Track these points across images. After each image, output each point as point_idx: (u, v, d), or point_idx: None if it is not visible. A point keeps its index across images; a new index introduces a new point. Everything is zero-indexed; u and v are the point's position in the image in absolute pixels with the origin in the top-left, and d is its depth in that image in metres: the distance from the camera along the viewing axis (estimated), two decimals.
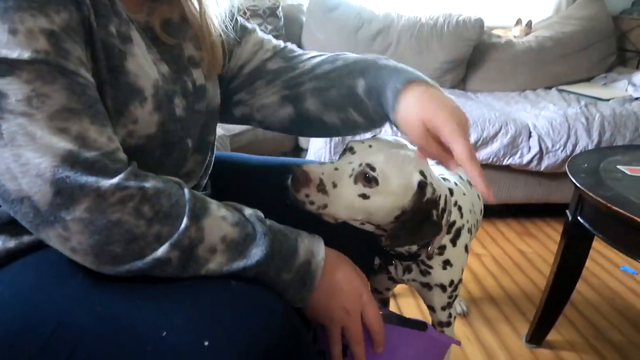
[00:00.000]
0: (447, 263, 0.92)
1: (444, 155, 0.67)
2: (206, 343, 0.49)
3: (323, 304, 0.65)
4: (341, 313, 0.65)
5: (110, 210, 0.52)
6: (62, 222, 0.52)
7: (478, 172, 0.63)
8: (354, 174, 0.75)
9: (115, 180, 0.53)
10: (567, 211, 1.35)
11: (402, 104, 0.69)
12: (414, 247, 0.88)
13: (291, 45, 0.90)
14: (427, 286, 0.95)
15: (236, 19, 0.83)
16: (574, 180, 1.22)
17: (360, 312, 0.67)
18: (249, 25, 0.87)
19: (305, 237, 0.65)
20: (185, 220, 0.56)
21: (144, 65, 0.64)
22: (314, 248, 0.65)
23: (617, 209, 1.07)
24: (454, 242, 0.92)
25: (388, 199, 0.76)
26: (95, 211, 0.52)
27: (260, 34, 0.88)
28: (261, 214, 0.64)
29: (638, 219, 1.02)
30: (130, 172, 0.55)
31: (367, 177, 0.74)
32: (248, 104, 0.87)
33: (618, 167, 1.32)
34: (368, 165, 0.75)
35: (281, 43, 0.89)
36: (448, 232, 0.90)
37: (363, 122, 0.80)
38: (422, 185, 0.77)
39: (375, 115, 0.77)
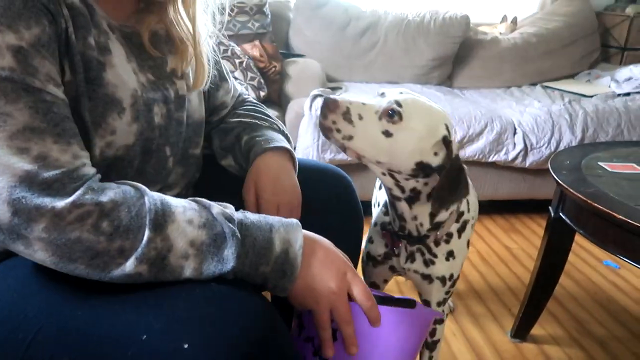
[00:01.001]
0: (450, 254, 0.94)
1: None
2: (185, 345, 0.49)
3: (308, 289, 0.63)
4: (327, 294, 0.63)
5: (69, 229, 0.53)
6: (24, 240, 0.53)
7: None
8: (380, 110, 0.78)
9: (71, 198, 0.53)
10: (550, 207, 1.37)
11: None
12: (424, 228, 0.88)
13: (236, 108, 0.95)
14: (428, 278, 0.95)
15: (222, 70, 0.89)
16: (555, 177, 1.24)
17: (347, 290, 0.65)
18: (224, 77, 0.92)
19: (281, 226, 0.63)
20: (147, 232, 0.55)
21: (123, 76, 0.65)
22: (291, 236, 0.63)
23: (596, 205, 1.08)
24: (459, 233, 0.94)
25: (411, 137, 0.78)
26: (53, 231, 0.52)
27: (227, 91, 0.93)
28: (230, 211, 0.62)
29: (616, 215, 1.04)
30: (87, 187, 0.55)
31: (390, 113, 0.77)
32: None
33: (599, 163, 1.34)
34: (396, 102, 0.78)
35: (238, 101, 0.96)
36: (457, 221, 0.92)
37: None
38: (447, 142, 0.79)
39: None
